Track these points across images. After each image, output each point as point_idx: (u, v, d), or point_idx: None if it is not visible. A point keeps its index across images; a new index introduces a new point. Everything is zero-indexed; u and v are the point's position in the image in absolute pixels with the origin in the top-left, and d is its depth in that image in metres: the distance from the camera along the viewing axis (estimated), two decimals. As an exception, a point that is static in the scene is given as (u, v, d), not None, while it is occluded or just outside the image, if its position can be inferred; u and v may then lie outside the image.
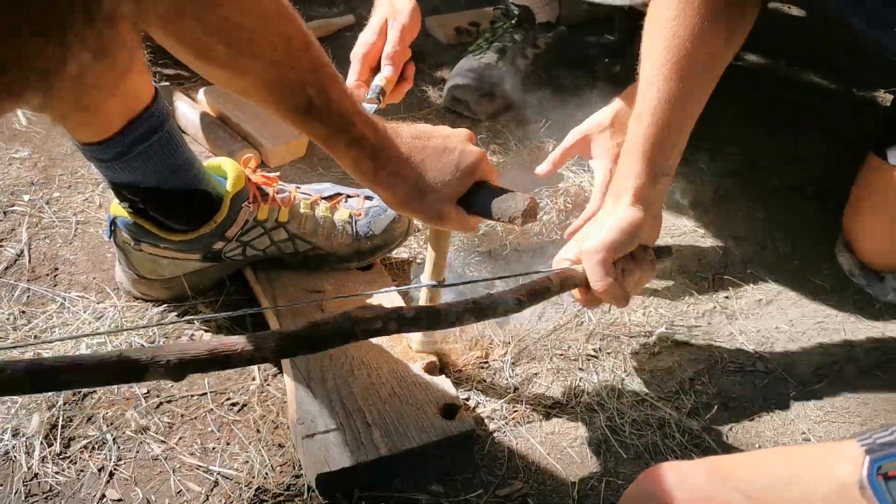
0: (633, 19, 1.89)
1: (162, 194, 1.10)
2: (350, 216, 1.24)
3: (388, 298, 1.21)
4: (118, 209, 1.14)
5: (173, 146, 1.09)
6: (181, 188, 1.11)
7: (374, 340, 1.12)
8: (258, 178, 1.19)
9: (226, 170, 1.16)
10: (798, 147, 1.71)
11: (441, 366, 1.13)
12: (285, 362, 1.09)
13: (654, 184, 1.02)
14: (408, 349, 1.14)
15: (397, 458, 0.98)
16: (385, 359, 1.11)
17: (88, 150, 1.05)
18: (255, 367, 1.13)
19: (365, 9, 1.34)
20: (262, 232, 1.18)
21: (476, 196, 0.95)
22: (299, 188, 1.25)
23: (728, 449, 1.08)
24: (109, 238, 1.18)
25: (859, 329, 1.31)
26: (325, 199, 1.25)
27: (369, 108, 1.16)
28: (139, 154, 1.05)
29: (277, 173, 1.23)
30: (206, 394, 1.09)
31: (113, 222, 1.15)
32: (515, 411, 1.11)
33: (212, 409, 1.07)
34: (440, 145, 0.94)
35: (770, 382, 1.19)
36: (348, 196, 1.28)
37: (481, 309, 0.90)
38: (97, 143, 1.03)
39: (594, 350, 1.21)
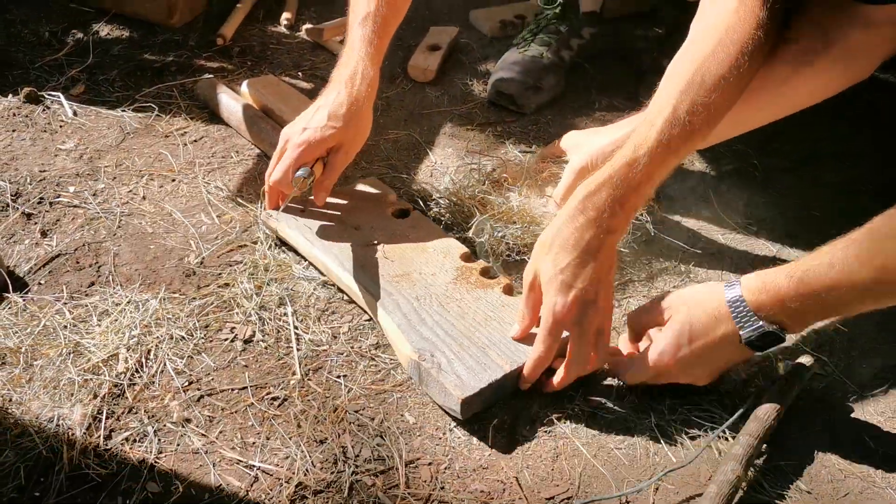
0: (681, 11, 1.86)
1: None
2: None
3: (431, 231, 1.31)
4: None
5: None
6: None
7: (449, 277, 1.20)
8: None
9: None
10: (852, 141, 1.65)
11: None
12: (381, 312, 1.13)
13: None
14: (480, 279, 1.20)
15: (518, 371, 1.06)
16: (465, 290, 1.18)
17: None
18: (295, 362, 1.11)
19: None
20: None
21: None
22: None
23: (785, 454, 1.04)
24: None
25: (921, 331, 1.25)
26: None
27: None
28: None
29: None
30: (246, 388, 1.08)
31: None
32: (561, 412, 1.08)
33: (252, 404, 1.06)
34: None
35: (828, 386, 1.14)
36: None
37: None
38: None
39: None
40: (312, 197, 1.29)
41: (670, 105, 1.05)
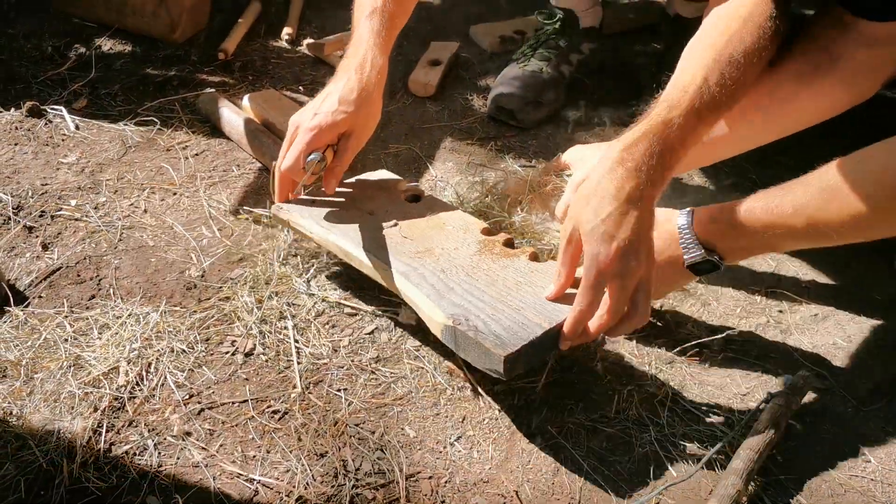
0: (679, 27, 1.87)
1: None
2: None
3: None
4: None
5: None
6: None
7: (472, 250, 1.19)
8: None
9: None
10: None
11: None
12: (407, 286, 1.11)
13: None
14: (504, 249, 1.19)
15: (557, 329, 1.03)
16: (490, 260, 1.17)
17: None
18: (296, 376, 1.12)
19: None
20: None
21: None
22: None
23: (785, 469, 1.04)
24: None
25: (921, 346, 1.25)
26: None
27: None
28: None
29: None
30: (247, 401, 1.08)
31: None
32: (561, 425, 1.08)
33: (253, 417, 1.06)
34: None
35: (828, 400, 1.14)
36: None
37: None
38: None
39: (644, 363, 1.17)
40: (322, 186, 1.27)
41: (702, 75, 1.05)
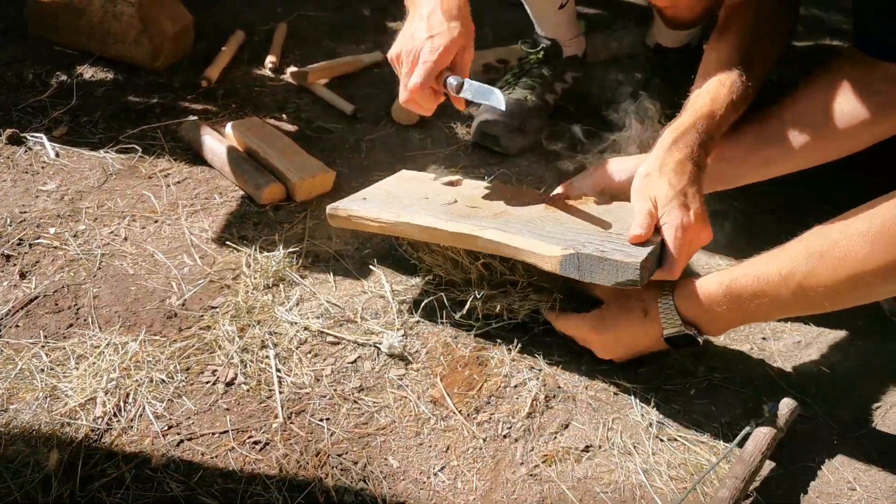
0: (660, 56, 1.89)
1: None
2: None
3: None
4: None
5: None
6: None
7: (542, 206, 1.23)
8: None
9: None
10: (834, 187, 1.67)
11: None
12: (508, 236, 1.12)
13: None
14: (566, 202, 1.24)
15: (662, 245, 1.09)
16: (564, 210, 1.21)
17: None
18: (277, 406, 1.10)
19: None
20: None
21: None
22: None
23: (770, 497, 1.03)
24: None
25: (903, 372, 1.25)
26: None
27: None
28: None
29: None
30: (227, 431, 1.06)
31: None
32: (546, 455, 1.07)
33: (233, 448, 1.04)
34: None
35: (812, 427, 1.14)
36: None
37: None
38: None
39: (629, 391, 1.17)
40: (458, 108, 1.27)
41: (737, 70, 1.18)
